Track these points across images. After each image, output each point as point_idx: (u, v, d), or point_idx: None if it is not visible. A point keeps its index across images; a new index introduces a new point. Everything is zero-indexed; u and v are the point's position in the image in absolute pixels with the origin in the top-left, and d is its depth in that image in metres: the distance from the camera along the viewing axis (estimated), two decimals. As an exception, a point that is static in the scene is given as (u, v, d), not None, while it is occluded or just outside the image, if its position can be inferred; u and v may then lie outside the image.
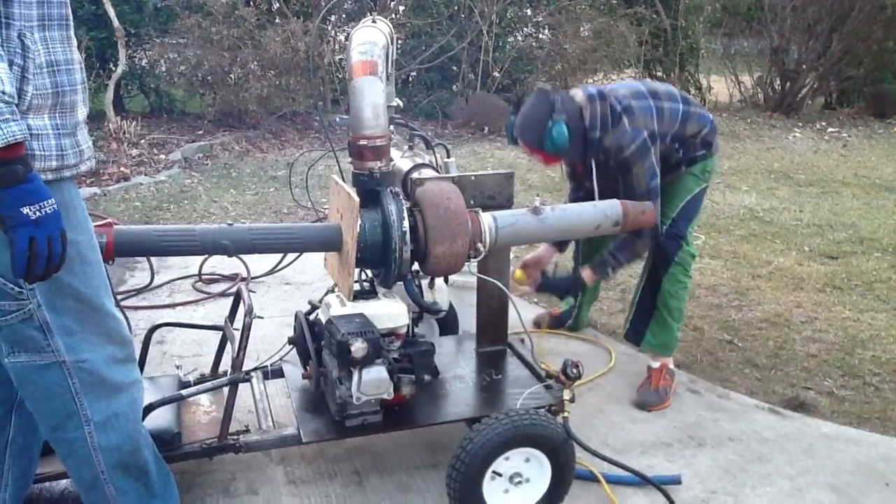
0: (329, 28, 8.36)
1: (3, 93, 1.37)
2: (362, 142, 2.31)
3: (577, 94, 2.88)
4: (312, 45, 7.28)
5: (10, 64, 1.45)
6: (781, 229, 5.34)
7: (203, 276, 4.10)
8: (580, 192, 3.17)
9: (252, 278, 4.08)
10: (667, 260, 3.04)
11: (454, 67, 9.09)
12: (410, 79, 9.11)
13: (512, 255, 2.83)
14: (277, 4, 8.14)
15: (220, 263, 4.12)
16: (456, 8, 8.81)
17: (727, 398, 3.10)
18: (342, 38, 8.51)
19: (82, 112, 1.66)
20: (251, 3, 7.73)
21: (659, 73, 10.55)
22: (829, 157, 8.18)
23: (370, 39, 2.39)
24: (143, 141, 7.09)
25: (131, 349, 1.85)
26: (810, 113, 10.76)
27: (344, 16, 8.65)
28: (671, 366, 3.14)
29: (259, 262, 4.14)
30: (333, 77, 8.24)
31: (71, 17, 1.61)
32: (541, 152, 2.84)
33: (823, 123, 10.05)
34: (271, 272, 4.16)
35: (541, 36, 9.61)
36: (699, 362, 3.38)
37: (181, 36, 7.99)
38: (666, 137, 2.92)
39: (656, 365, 3.10)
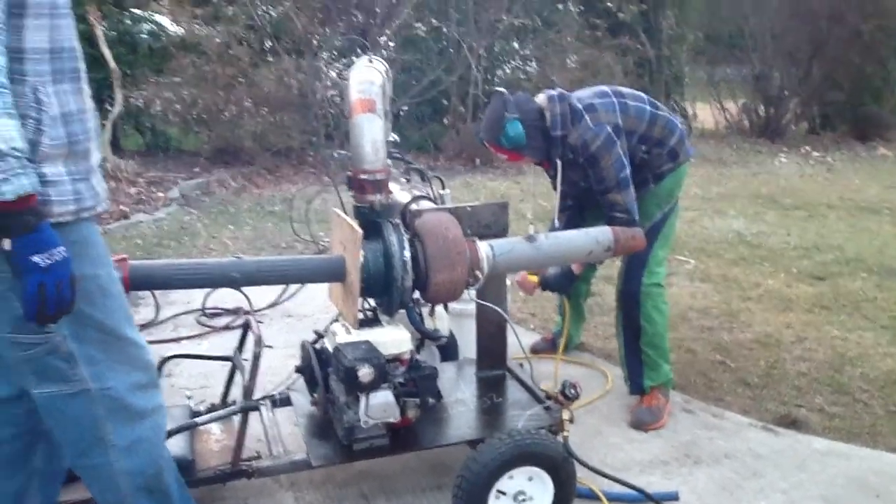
0: (321, 65, 8.53)
1: (15, 149, 1.46)
2: (363, 176, 2.42)
3: (539, 96, 3.01)
4: (309, 83, 7.43)
5: (25, 117, 1.55)
6: (770, 252, 5.46)
7: (206, 311, 4.18)
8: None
9: (255, 311, 4.16)
10: (634, 300, 3.11)
11: (444, 101, 9.27)
12: (402, 113, 9.28)
13: (508, 282, 2.94)
14: (270, 43, 8.30)
15: (223, 298, 4.20)
16: (445, 43, 9.01)
17: (721, 417, 3.19)
18: (334, 74, 8.69)
19: (95, 157, 1.76)
20: (244, 42, 7.88)
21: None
22: (814, 180, 8.36)
23: (368, 78, 2.51)
24: (140, 179, 7.20)
25: (154, 375, 1.93)
26: (795, 137, 10.99)
27: (335, 52, 8.81)
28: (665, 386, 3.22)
29: (261, 296, 4.22)
30: (327, 112, 8.38)
31: (82, 70, 1.71)
32: (501, 149, 2.96)
33: (808, 148, 10.26)
34: (273, 305, 4.25)
35: (528, 68, 9.82)
36: (693, 383, 3.47)
37: (176, 75, 8.14)
38: (633, 136, 2.99)
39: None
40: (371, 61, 2.66)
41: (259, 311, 4.19)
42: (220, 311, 4.20)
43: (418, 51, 8.80)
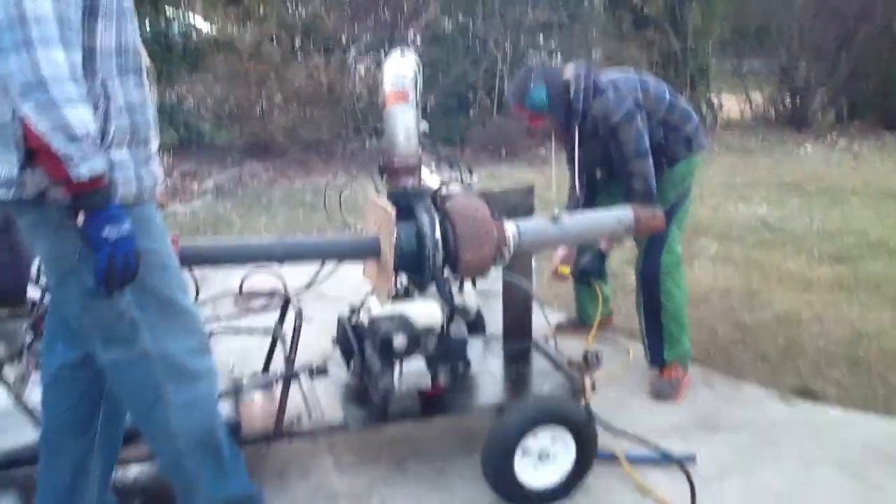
0: (350, 60, 8.72)
1: (90, 134, 1.64)
2: (396, 162, 2.59)
3: (566, 69, 3.19)
4: (338, 79, 7.62)
5: (95, 108, 1.73)
6: (792, 236, 5.55)
7: (244, 293, 4.36)
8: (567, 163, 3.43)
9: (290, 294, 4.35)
10: (654, 279, 3.25)
11: (470, 95, 9.41)
12: (428, 107, 9.43)
13: (534, 264, 3.09)
14: (300, 41, 8.49)
15: (258, 281, 4.38)
16: (471, 39, 9.15)
17: (740, 389, 3.31)
18: (361, 70, 8.88)
19: (154, 145, 1.94)
20: (275, 40, 8.09)
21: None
22: (839, 168, 8.39)
23: (401, 71, 2.67)
24: (175, 171, 7.45)
25: (206, 342, 2.10)
26: (821, 127, 10.97)
27: (363, 49, 8.99)
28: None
29: (295, 280, 4.39)
30: (355, 106, 8.57)
31: (144, 65, 1.89)
32: (524, 110, 3.13)
33: (834, 137, 10.26)
34: (308, 287, 4.42)
35: (553, 62, 9.92)
36: (713, 359, 3.59)
37: (208, 72, 8.37)
38: (652, 118, 3.13)
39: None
40: (403, 55, 2.83)
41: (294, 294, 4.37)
42: (256, 293, 4.38)
43: (445, 46, 8.95)
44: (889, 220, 6.01)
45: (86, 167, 1.61)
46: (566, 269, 3.39)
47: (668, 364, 3.30)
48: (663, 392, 3.23)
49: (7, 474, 2.35)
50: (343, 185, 5.20)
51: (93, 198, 1.67)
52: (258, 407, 2.70)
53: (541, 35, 9.78)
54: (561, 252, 3.50)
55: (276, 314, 2.97)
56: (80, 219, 1.68)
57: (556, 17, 9.39)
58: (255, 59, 7.89)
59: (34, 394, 2.53)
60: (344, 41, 8.42)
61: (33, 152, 1.63)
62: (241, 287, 4.38)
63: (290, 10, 8.13)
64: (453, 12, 9.01)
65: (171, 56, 8.66)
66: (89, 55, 1.70)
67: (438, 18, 8.81)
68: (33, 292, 3.40)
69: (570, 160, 3.32)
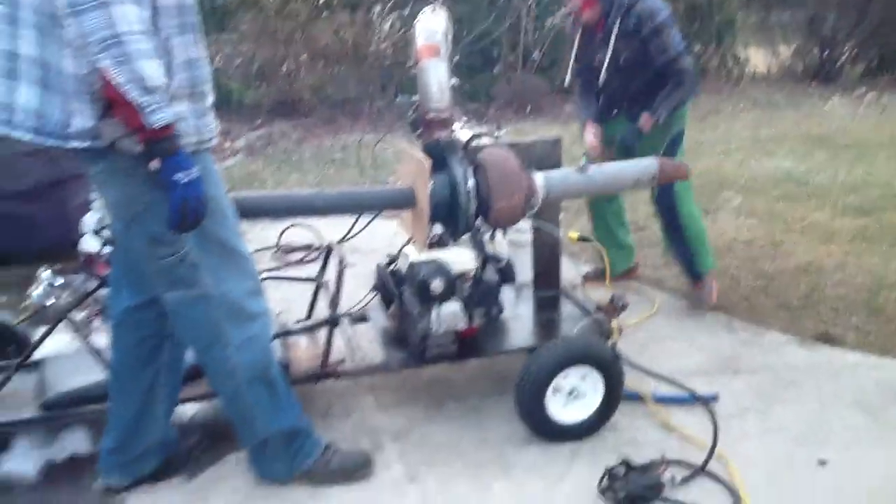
0: (375, 18, 8.76)
1: (160, 86, 1.78)
2: (430, 115, 2.72)
3: None
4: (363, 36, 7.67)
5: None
6: (816, 189, 5.61)
7: (281, 247, 4.54)
8: (586, 72, 3.63)
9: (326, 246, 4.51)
10: (671, 203, 3.56)
11: (495, 50, 9.43)
12: (453, 63, 9.46)
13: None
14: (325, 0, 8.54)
15: (295, 236, 4.55)
16: (497, -7, 9.14)
17: (761, 335, 3.44)
18: (386, 27, 8.92)
19: (210, 99, 2.08)
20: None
21: (696, 48, 10.75)
22: (866, 122, 8.35)
23: (432, 26, 2.79)
24: (207, 132, 7.59)
25: (260, 285, 2.26)
26: (849, 81, 10.87)
27: (389, 5, 9.00)
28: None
29: (329, 233, 4.55)
30: (380, 64, 8.63)
31: (199, 24, 2.02)
32: None
33: (862, 90, 10.16)
34: (342, 240, 4.57)
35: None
36: (735, 306, 3.71)
37: (235, 31, 8.46)
38: None
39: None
40: (435, 10, 2.94)
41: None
42: (294, 247, 4.55)
43: (469, 2, 8.95)
44: (915, 173, 6.04)
45: (158, 115, 1.75)
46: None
47: (702, 276, 3.69)
48: (703, 300, 3.68)
49: (76, 411, 2.54)
50: (373, 141, 5.33)
51: (164, 144, 1.81)
52: (303, 350, 2.87)
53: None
54: (591, 129, 3.64)
55: (313, 266, 3.12)
56: (155, 164, 1.83)
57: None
58: (282, 16, 7.96)
59: (99, 337, 2.73)
60: (368, -2, 8.47)
61: (110, 103, 1.78)
62: (278, 241, 4.57)
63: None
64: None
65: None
66: (154, 13, 1.84)
67: (463, -26, 8.79)
68: (87, 245, 3.60)
69: (583, 57, 3.61)
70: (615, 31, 3.38)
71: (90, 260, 3.58)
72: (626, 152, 3.44)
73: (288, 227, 4.51)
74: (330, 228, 4.36)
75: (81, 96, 1.82)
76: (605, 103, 3.65)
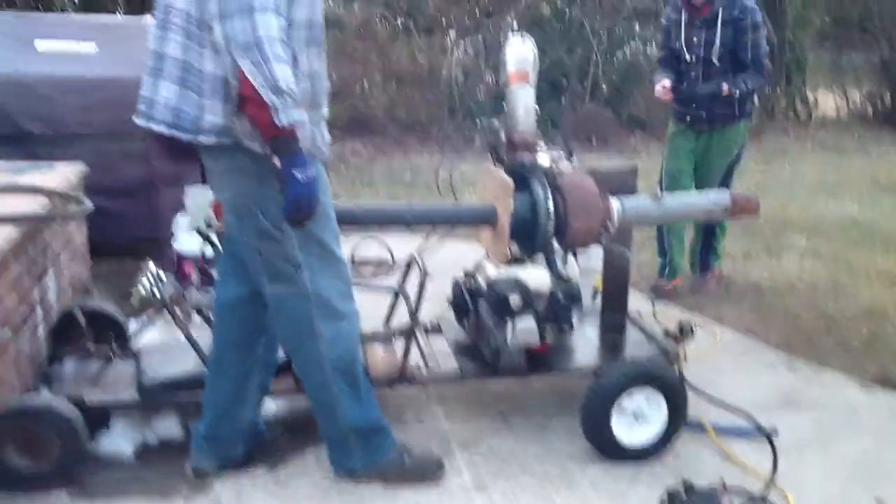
0: (449, 43, 9.00)
1: (292, 90, 1.97)
2: (515, 136, 2.87)
3: None
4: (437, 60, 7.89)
5: None
6: (882, 236, 5.60)
7: (355, 260, 4.72)
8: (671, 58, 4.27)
9: (395, 264, 4.66)
10: None
11: (564, 81, 9.58)
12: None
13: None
14: (403, 21, 8.80)
15: (365, 252, 4.71)
16: (567, 24, 9.31)
17: (821, 374, 3.49)
18: (458, 53, 9.16)
19: (325, 110, 2.27)
20: (384, 19, 8.42)
21: (765, 87, 10.73)
22: (937, 170, 8.26)
23: (522, 53, 2.96)
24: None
25: (351, 288, 2.43)
26: (921, 127, 10.74)
27: (463, 31, 9.24)
28: None
29: (399, 249, 4.72)
30: (453, 89, 8.85)
31: (324, 40, 2.21)
32: None
33: (934, 138, 10.04)
34: (424, 251, 4.73)
35: (648, 51, 9.99)
36: (797, 346, 3.76)
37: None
38: None
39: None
40: (523, 38, 3.10)
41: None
42: (367, 261, 4.72)
43: (542, 32, 9.14)
44: (985, 224, 5.98)
45: (286, 116, 1.94)
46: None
47: (711, 269, 4.43)
48: (701, 286, 4.39)
49: (171, 397, 2.73)
50: (450, 164, 5.47)
51: (288, 143, 2.00)
52: (380, 356, 3.02)
53: (636, 23, 9.85)
54: (665, 83, 4.16)
55: (384, 280, 3.27)
56: (276, 161, 2.01)
57: (654, 5, 9.46)
58: (361, 37, 8.24)
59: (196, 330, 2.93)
60: (444, 23, 8.69)
61: (243, 101, 1.97)
62: (352, 256, 4.75)
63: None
64: (552, -2, 9.19)
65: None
66: (288, 25, 2.03)
67: (537, 3, 8.99)
68: (180, 244, 3.83)
69: (676, 41, 4.19)
70: (720, 15, 3.93)
71: (181, 259, 3.82)
72: (692, 160, 4.16)
73: (359, 243, 4.69)
74: (400, 244, 4.56)
75: (215, 96, 2.04)
76: (689, 85, 4.16)
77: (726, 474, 2.64)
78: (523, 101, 2.87)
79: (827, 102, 11.17)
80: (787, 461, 2.73)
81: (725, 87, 4.01)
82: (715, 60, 4.06)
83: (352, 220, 2.78)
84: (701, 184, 4.20)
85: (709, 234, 4.42)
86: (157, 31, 2.10)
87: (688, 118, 4.24)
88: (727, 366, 3.52)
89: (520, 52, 2.95)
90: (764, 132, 9.81)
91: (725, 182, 4.30)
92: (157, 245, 4.61)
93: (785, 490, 2.58)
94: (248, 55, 1.89)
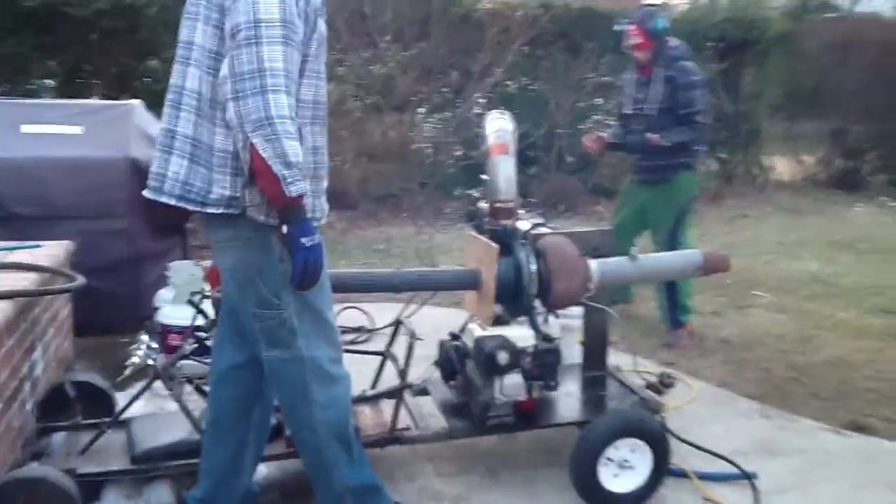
0: (418, 120, 9.26)
1: (299, 162, 2.10)
2: (498, 204, 3.03)
3: None
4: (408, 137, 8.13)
5: None
6: (843, 290, 5.83)
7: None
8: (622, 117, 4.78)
9: (375, 330, 4.75)
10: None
11: (530, 152, 9.87)
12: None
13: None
14: (374, 100, 9.05)
15: (344, 320, 4.79)
16: (533, 99, 9.65)
17: (795, 422, 3.62)
18: (428, 128, 9.43)
19: (325, 183, 2.41)
20: (358, 98, 8.66)
21: (723, 154, 11.15)
22: (890, 228, 8.60)
23: (502, 126, 3.14)
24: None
25: (342, 353, 2.53)
26: (872, 189, 11.18)
27: (431, 108, 9.52)
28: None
29: (379, 316, 4.82)
30: (423, 162, 9.08)
31: (327, 117, 2.37)
32: (643, 30, 4.40)
33: (885, 198, 10.46)
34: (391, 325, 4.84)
35: (610, 122, 10.36)
36: (769, 395, 3.90)
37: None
38: None
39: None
40: (502, 113, 3.30)
41: (380, 329, 4.77)
42: (345, 328, 4.79)
43: (509, 107, 9.44)
44: (939, 278, 6.25)
45: (296, 187, 2.07)
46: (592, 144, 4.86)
47: (681, 324, 4.56)
48: (674, 341, 4.52)
49: (164, 465, 2.77)
50: (429, 234, 5.65)
51: (296, 212, 2.13)
52: (369, 418, 3.10)
53: (599, 98, 10.23)
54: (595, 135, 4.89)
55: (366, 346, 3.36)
56: (284, 229, 2.13)
57: (614, 79, 9.87)
58: (335, 115, 8.47)
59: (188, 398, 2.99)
60: (415, 101, 8.97)
61: (253, 174, 2.10)
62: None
63: (366, 71, 8.72)
64: (517, 75, 9.53)
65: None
66: (297, 107, 2.18)
67: (503, 82, 9.34)
68: (164, 317, 3.90)
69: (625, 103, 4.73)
70: (659, 74, 4.41)
71: (166, 331, 3.89)
72: (640, 211, 4.58)
73: (343, 309, 4.78)
74: (380, 312, 4.68)
75: (223, 170, 2.18)
76: (631, 138, 4.63)
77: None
78: (504, 171, 3.04)
79: (783, 168, 11.61)
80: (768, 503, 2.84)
81: (652, 137, 4.43)
82: (654, 114, 4.54)
83: (343, 287, 2.89)
84: (650, 235, 4.68)
85: (671, 290, 4.56)
86: (170, 111, 2.25)
87: (636, 171, 4.77)
88: (705, 416, 3.63)
89: (500, 125, 3.14)
90: (724, 196, 10.18)
91: (675, 233, 4.57)
92: (139, 322, 4.68)
93: (769, 531, 2.68)
94: (261, 132, 2.03)
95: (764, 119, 11.54)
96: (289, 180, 2.06)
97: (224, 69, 2.09)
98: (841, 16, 12.96)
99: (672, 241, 4.50)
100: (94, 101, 5.42)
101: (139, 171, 4.44)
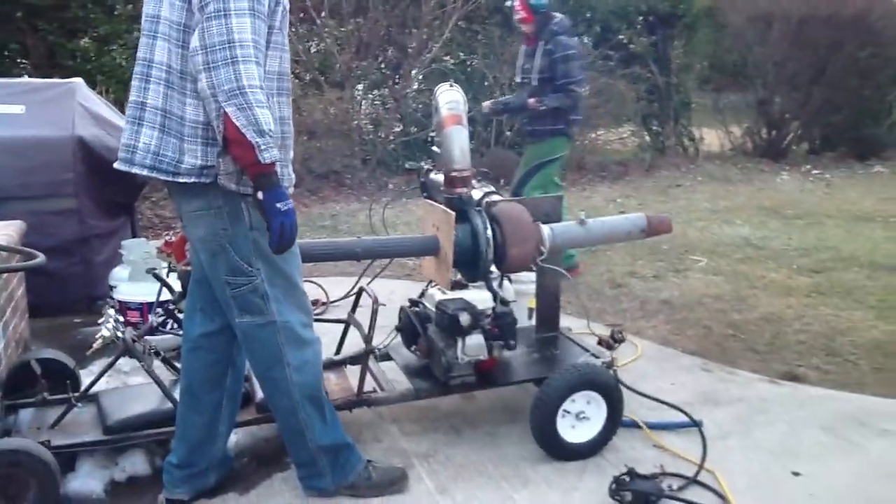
0: (357, 96, 9.30)
1: (272, 130, 2.17)
2: (453, 173, 3.14)
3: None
4: (348, 113, 8.14)
5: None
6: (773, 252, 6.16)
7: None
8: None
9: (331, 302, 4.84)
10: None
11: (470, 127, 10.01)
12: (429, 139, 10.02)
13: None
14: (313, 77, 9.04)
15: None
16: (470, 74, 9.77)
17: (734, 374, 3.86)
18: (365, 105, 9.48)
19: (291, 153, 2.48)
20: (295, 76, 8.65)
21: (655, 126, 11.49)
22: (814, 195, 9.05)
23: (454, 98, 3.25)
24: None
25: (311, 317, 2.62)
26: (796, 158, 11.70)
27: (368, 83, 9.57)
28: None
29: (332, 290, 4.91)
30: (364, 138, 9.13)
31: (290, 88, 2.43)
32: (525, 5, 4.93)
33: (808, 167, 10.97)
34: (346, 297, 4.94)
35: (547, 96, 10.55)
36: (709, 351, 4.14)
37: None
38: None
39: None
40: (452, 85, 3.40)
41: (335, 302, 4.86)
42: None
43: (447, 82, 9.54)
44: (859, 239, 6.65)
45: (269, 154, 2.15)
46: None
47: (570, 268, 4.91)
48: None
49: (137, 435, 2.82)
50: (386, 203, 5.75)
51: (270, 178, 2.20)
52: (334, 383, 3.20)
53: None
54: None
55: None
56: (260, 195, 2.20)
57: (550, 54, 10.05)
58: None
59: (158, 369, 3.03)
60: (353, 77, 9.00)
61: (228, 144, 2.16)
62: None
63: (304, 47, 8.70)
64: (454, 50, 9.62)
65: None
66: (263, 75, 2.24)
67: (440, 57, 9.42)
68: (121, 295, 3.91)
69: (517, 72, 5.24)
70: (542, 47, 4.90)
71: (125, 308, 3.90)
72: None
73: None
74: (333, 286, 4.77)
75: (194, 139, 2.23)
76: (514, 103, 5.28)
77: (662, 461, 2.93)
78: (458, 141, 3.16)
79: (711, 139, 12.02)
80: (712, 448, 3.04)
81: (531, 102, 5.04)
82: (534, 83, 5.05)
83: (308, 257, 2.96)
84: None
85: None
86: (138, 83, 2.29)
87: (525, 132, 5.33)
88: (650, 372, 3.84)
89: (451, 97, 3.25)
90: (658, 167, 10.52)
91: (523, 181, 5.24)
92: (92, 301, 4.66)
93: (715, 471, 2.88)
94: (234, 101, 2.09)
95: (693, 91, 11.91)
96: (262, 147, 2.13)
97: (194, 41, 2.14)
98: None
99: (518, 189, 5.21)
100: (35, 80, 5.30)
101: (86, 150, 4.42)
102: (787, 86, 11.52)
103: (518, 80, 5.31)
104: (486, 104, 5.51)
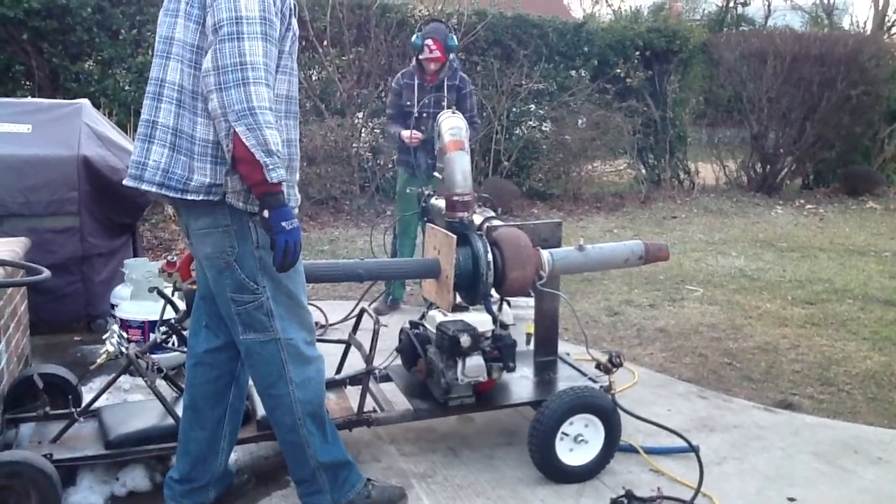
0: (357, 124, 9.38)
1: (280, 150, 2.23)
2: (455, 198, 3.19)
3: None
4: (348, 140, 8.19)
5: None
6: (767, 284, 6.22)
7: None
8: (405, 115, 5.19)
9: (331, 324, 4.87)
10: None
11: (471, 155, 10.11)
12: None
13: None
14: (314, 104, 9.13)
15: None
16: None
17: (730, 402, 3.89)
18: (364, 133, 9.56)
19: (297, 176, 2.53)
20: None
21: (651, 159, 11.60)
22: (807, 228, 9.14)
23: (457, 124, 3.31)
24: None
25: (315, 335, 2.65)
26: (790, 192, 11.82)
27: (369, 112, 9.66)
28: None
29: (331, 313, 4.94)
30: (363, 165, 9.20)
31: (297, 112, 2.50)
32: (441, 45, 4.99)
33: (802, 201, 11.08)
34: (346, 319, 4.96)
35: (544, 127, 10.68)
36: (705, 379, 4.18)
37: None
38: None
39: None
40: (454, 112, 3.47)
41: (333, 324, 4.89)
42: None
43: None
44: (853, 272, 6.71)
45: (276, 173, 2.20)
46: None
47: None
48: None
49: (138, 450, 2.84)
50: (382, 230, 5.79)
51: (277, 197, 2.25)
52: (334, 402, 3.22)
53: (533, 104, 10.54)
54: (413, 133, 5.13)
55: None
56: (266, 214, 2.24)
57: (548, 86, 10.18)
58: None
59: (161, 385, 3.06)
60: (354, 106, 9.09)
61: (235, 162, 2.21)
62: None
63: (305, 75, 8.79)
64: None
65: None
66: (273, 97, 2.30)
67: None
68: (123, 313, 3.94)
69: (408, 101, 5.18)
70: (446, 83, 5.11)
71: (126, 326, 3.93)
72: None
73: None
74: (332, 310, 4.80)
75: (204, 158, 2.29)
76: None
77: (659, 485, 2.96)
78: (460, 166, 3.22)
79: (707, 173, 12.14)
80: (709, 473, 3.06)
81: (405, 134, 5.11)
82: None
83: (311, 277, 3.00)
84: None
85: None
86: (150, 102, 2.35)
87: (413, 166, 5.24)
88: (647, 398, 3.87)
89: (454, 123, 3.31)
90: (654, 199, 10.61)
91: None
92: (91, 319, 4.68)
93: (711, 495, 2.91)
94: (244, 121, 2.14)
95: (688, 125, 12.05)
96: (270, 167, 2.19)
97: (207, 62, 2.20)
98: (755, 29, 13.62)
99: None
100: (41, 100, 5.36)
101: (91, 169, 4.46)
102: (780, 121, 11.66)
103: (416, 114, 5.14)
104: (409, 137, 5.12)
